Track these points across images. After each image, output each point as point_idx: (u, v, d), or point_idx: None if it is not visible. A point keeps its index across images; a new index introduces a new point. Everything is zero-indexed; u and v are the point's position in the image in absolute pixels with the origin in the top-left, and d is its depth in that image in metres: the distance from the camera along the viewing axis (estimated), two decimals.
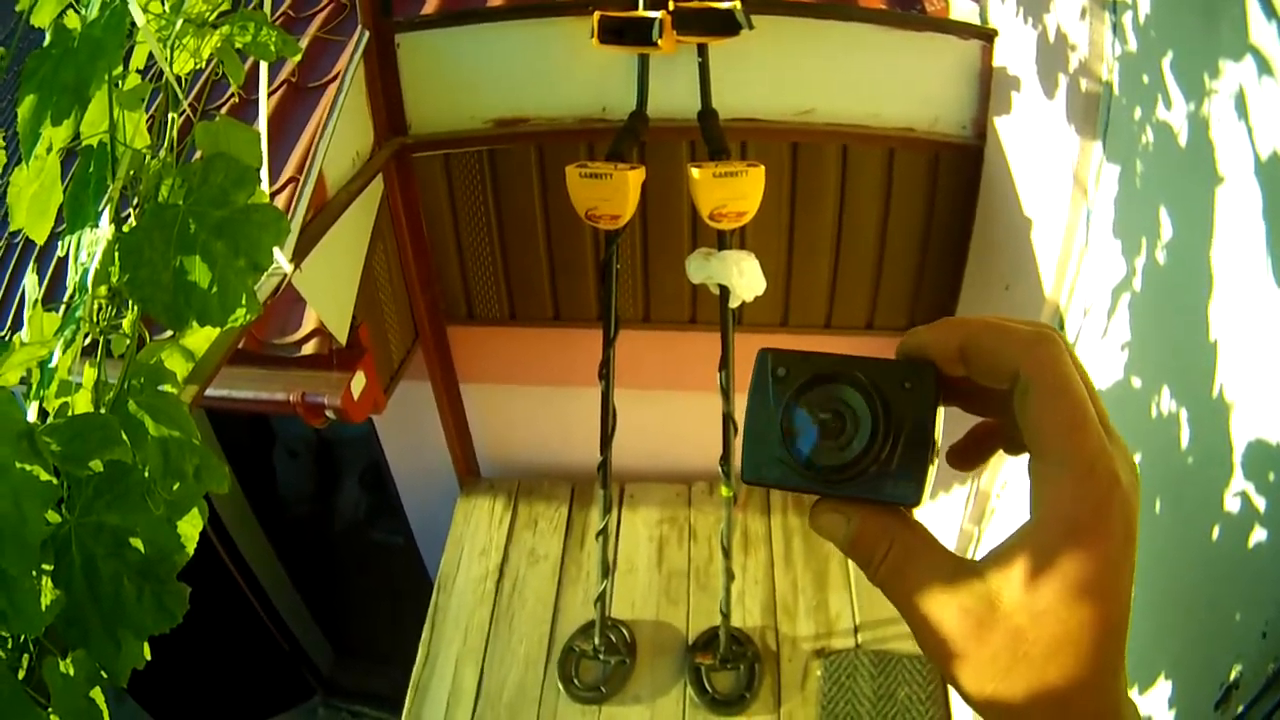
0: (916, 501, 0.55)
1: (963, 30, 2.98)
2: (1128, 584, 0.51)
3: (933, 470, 0.56)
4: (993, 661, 0.51)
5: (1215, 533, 1.73)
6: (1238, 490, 1.66)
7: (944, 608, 0.53)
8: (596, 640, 3.44)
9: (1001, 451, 0.63)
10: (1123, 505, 0.50)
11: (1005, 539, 0.52)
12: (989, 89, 2.98)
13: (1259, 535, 1.59)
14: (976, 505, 3.03)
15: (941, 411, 0.57)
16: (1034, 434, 0.52)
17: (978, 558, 0.53)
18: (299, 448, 5.82)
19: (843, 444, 0.55)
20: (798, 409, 0.57)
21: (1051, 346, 0.52)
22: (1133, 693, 1.98)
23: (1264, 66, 1.58)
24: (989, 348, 0.54)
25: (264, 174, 1.45)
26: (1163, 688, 1.88)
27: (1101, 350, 2.28)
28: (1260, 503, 1.60)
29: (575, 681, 3.43)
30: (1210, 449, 1.77)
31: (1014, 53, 2.80)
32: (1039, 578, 0.50)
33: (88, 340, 1.17)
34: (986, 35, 2.93)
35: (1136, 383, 2.11)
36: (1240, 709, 1.56)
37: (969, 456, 0.64)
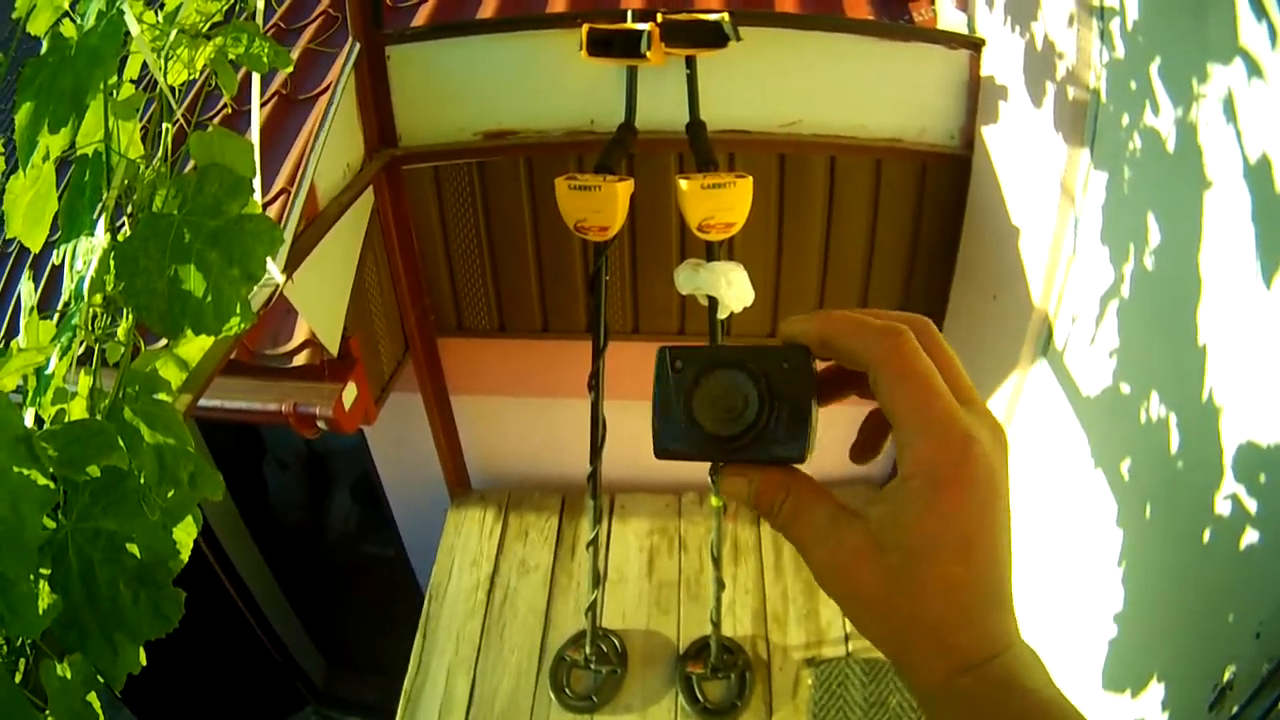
0: (801, 458, 0.64)
1: (950, 40, 2.99)
2: (998, 529, 0.58)
3: (814, 434, 0.64)
4: (875, 593, 0.59)
5: (1208, 535, 1.74)
6: (1229, 493, 1.67)
7: (833, 545, 0.61)
8: (588, 650, 3.44)
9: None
10: (982, 458, 0.57)
11: (882, 489, 0.59)
12: (977, 98, 2.99)
13: (1251, 537, 1.60)
14: None
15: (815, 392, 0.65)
16: (891, 411, 0.59)
17: None
18: (290, 459, 5.83)
19: (735, 416, 0.64)
20: (696, 392, 0.65)
21: (896, 337, 0.59)
22: (1126, 694, 1.99)
23: (1253, 68, 1.59)
24: (845, 339, 0.61)
25: (257, 184, 1.45)
26: (1157, 689, 1.89)
27: (1091, 357, 2.29)
28: (1252, 505, 1.61)
29: (567, 691, 3.42)
30: (1201, 453, 1.78)
31: (1002, 62, 2.82)
32: (910, 519, 0.57)
33: (83, 348, 1.17)
34: (974, 44, 2.94)
35: (1126, 389, 2.11)
36: (1234, 710, 1.57)
37: (865, 449, 0.71)
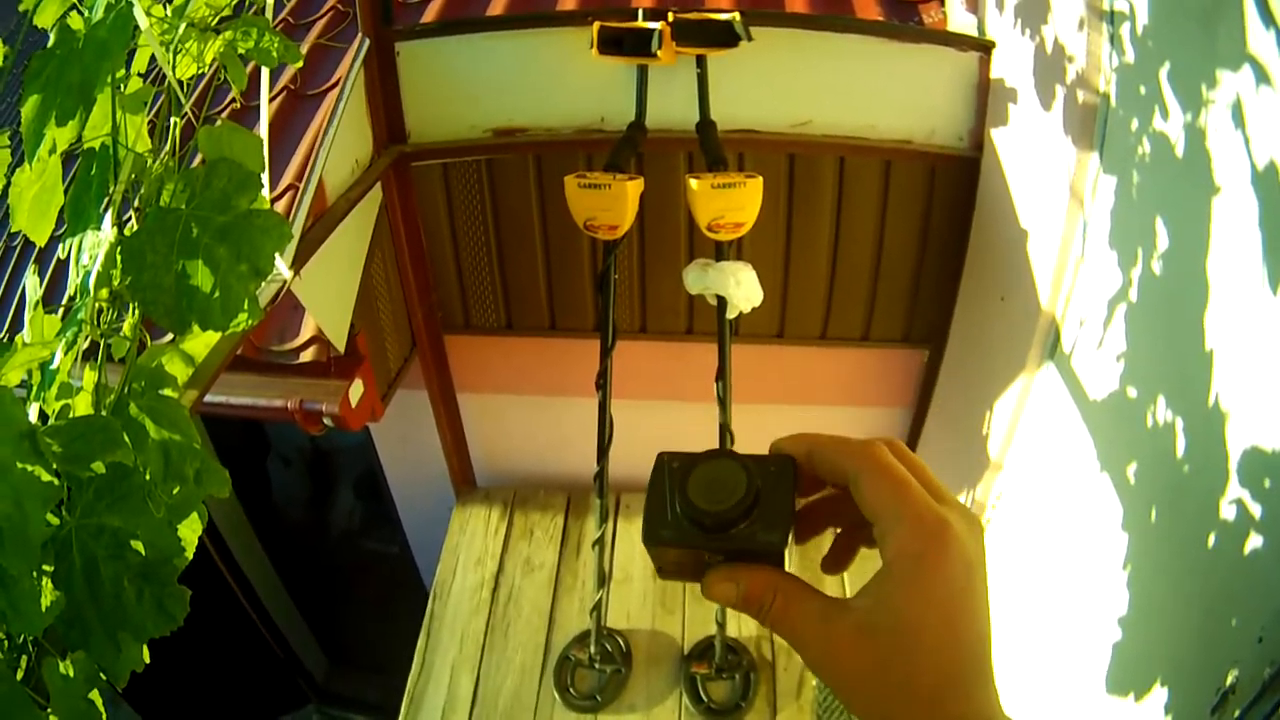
0: (782, 544, 0.69)
1: (960, 42, 2.98)
2: (978, 606, 0.62)
3: (791, 532, 0.69)
4: (867, 674, 0.62)
5: (1212, 539, 1.73)
6: (1234, 497, 1.66)
7: (823, 637, 0.65)
8: (592, 649, 3.43)
9: (864, 548, 0.76)
10: (957, 541, 0.62)
11: (867, 583, 0.64)
12: (986, 100, 2.98)
13: (1255, 542, 1.60)
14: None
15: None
16: (869, 508, 0.65)
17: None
18: (294, 456, 5.82)
19: (723, 503, 0.68)
20: (690, 478, 0.70)
21: (873, 447, 0.66)
22: (1129, 698, 1.99)
23: (1262, 76, 1.58)
24: (827, 453, 0.68)
25: (265, 180, 1.45)
26: (1159, 693, 1.88)
27: (1098, 360, 2.28)
28: (1256, 510, 1.61)
29: (571, 690, 3.42)
30: (1206, 457, 1.78)
31: (1011, 64, 2.81)
32: (896, 602, 0.62)
33: (88, 343, 1.17)
34: (984, 47, 2.93)
35: (1133, 392, 2.11)
36: (1237, 714, 1.56)
37: (837, 562, 0.78)
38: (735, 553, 0.71)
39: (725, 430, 2.80)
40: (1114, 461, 2.20)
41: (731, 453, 0.72)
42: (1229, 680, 1.61)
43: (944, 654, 0.60)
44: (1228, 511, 1.69)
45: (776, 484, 0.69)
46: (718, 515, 0.68)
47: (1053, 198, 2.51)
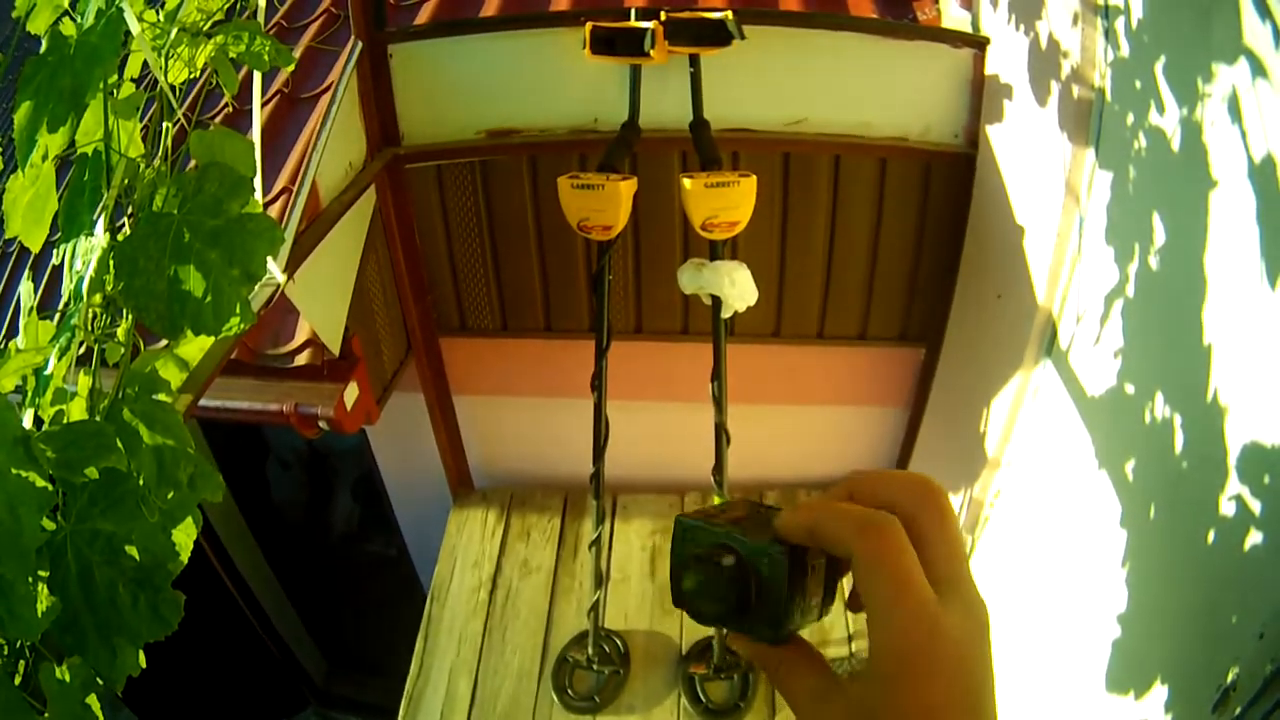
0: (774, 641, 0.71)
1: (954, 39, 2.98)
2: (968, 706, 0.61)
3: (797, 616, 0.71)
4: None
5: (1211, 536, 1.73)
6: (1233, 494, 1.66)
7: (815, 715, 0.67)
8: (590, 650, 3.43)
9: None
10: (946, 643, 0.61)
11: (863, 665, 0.63)
12: (981, 97, 2.98)
13: (1255, 538, 1.60)
14: (970, 513, 3.03)
15: (819, 574, 0.72)
16: (864, 596, 0.63)
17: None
18: (291, 459, 5.82)
19: (719, 597, 0.69)
20: (685, 576, 0.71)
21: (874, 530, 0.63)
22: (1130, 696, 1.99)
23: (1258, 69, 1.58)
24: (827, 530, 0.66)
25: (257, 183, 1.45)
26: (1160, 690, 1.88)
27: (1095, 357, 2.28)
28: (1256, 506, 1.61)
29: (569, 692, 3.42)
30: (1205, 453, 1.78)
31: (1006, 60, 2.81)
32: (880, 701, 0.61)
33: (82, 349, 1.17)
34: (978, 43, 2.93)
35: (1130, 389, 2.11)
36: (1237, 710, 1.56)
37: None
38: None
39: (721, 430, 2.81)
40: (1112, 458, 2.20)
41: (732, 540, 0.71)
42: (1229, 677, 1.60)
43: None
44: (1227, 508, 1.69)
45: (771, 576, 0.69)
46: (712, 615, 0.71)
47: (1049, 194, 2.51)
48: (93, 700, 0.99)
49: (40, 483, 0.91)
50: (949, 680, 0.61)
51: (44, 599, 0.94)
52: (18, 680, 0.97)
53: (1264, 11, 1.56)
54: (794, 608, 0.70)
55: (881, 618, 0.62)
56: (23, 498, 0.89)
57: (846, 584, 0.72)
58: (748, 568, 0.69)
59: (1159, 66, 1.96)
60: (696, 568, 0.70)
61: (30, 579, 0.92)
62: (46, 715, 0.94)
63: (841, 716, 0.64)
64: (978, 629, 0.63)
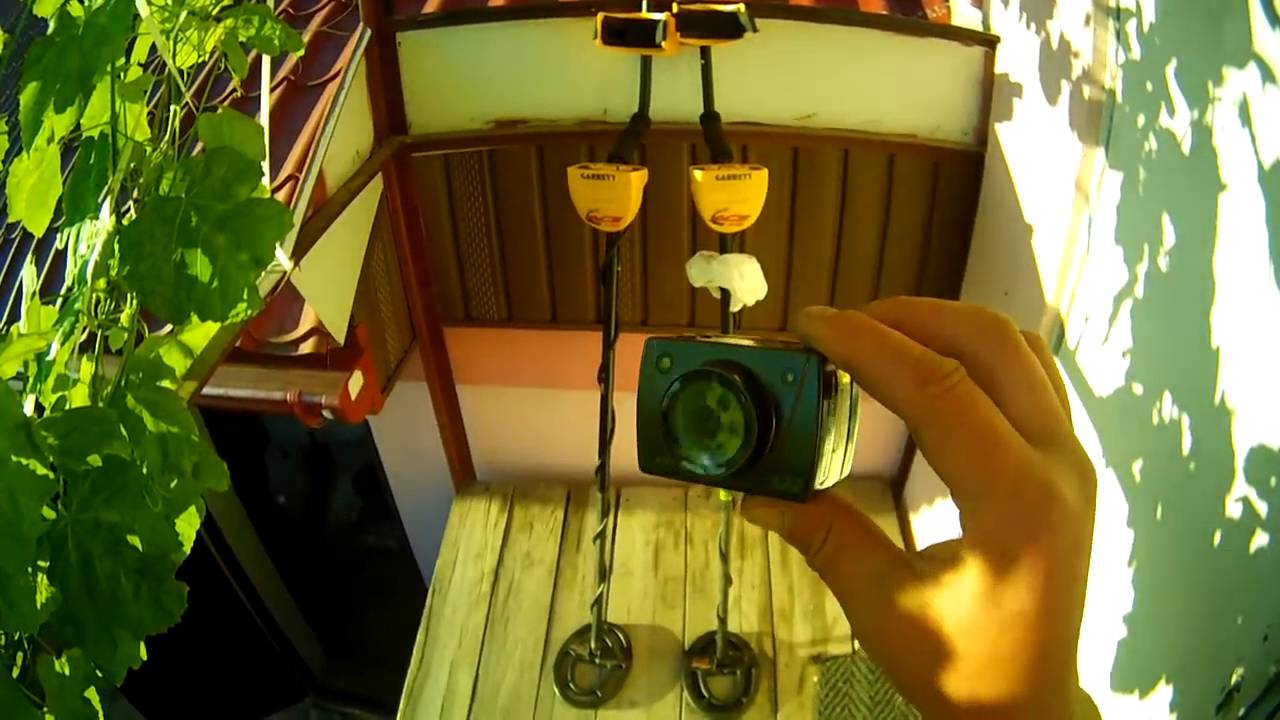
0: (801, 498, 0.53)
1: (965, 37, 2.97)
2: (1073, 601, 0.47)
3: (827, 462, 0.53)
4: (925, 667, 0.48)
5: (1217, 537, 1.73)
6: (1240, 495, 1.66)
7: (877, 607, 0.50)
8: (593, 644, 3.43)
9: None
10: (1065, 521, 0.46)
11: (944, 543, 0.49)
12: (991, 95, 2.97)
13: (1261, 540, 1.59)
14: None
15: (845, 400, 0.54)
16: (942, 471, 0.48)
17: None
18: (292, 448, 5.82)
19: (719, 443, 0.53)
20: (674, 409, 0.54)
21: (939, 383, 0.47)
22: (1134, 696, 1.98)
23: (1268, 74, 1.58)
24: (873, 372, 0.49)
25: (265, 169, 1.45)
26: (1165, 691, 1.88)
27: (1103, 357, 2.27)
28: (1262, 507, 1.60)
29: (571, 686, 3.41)
30: (1212, 454, 1.77)
31: (1016, 59, 2.79)
32: (970, 596, 0.47)
33: (85, 334, 1.15)
34: (989, 42, 2.92)
35: (1138, 389, 2.10)
36: (1242, 712, 1.56)
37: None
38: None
39: None
40: (1119, 458, 2.19)
41: (731, 360, 0.53)
42: (1234, 679, 1.60)
43: (1016, 669, 0.46)
44: (1233, 509, 1.68)
45: (796, 404, 0.51)
46: (714, 466, 0.53)
47: (1057, 193, 2.50)
48: (92, 693, 0.98)
49: (41, 470, 0.90)
50: (1063, 574, 0.46)
51: (44, 590, 0.93)
52: (16, 673, 0.96)
53: (1274, 19, 1.55)
54: (826, 447, 0.52)
55: (972, 491, 0.47)
56: (23, 485, 0.88)
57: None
58: (765, 388, 0.52)
59: (1169, 69, 1.95)
60: (689, 396, 0.54)
61: (30, 569, 0.91)
62: (46, 709, 0.93)
63: (915, 607, 0.48)
64: (1090, 494, 0.49)
